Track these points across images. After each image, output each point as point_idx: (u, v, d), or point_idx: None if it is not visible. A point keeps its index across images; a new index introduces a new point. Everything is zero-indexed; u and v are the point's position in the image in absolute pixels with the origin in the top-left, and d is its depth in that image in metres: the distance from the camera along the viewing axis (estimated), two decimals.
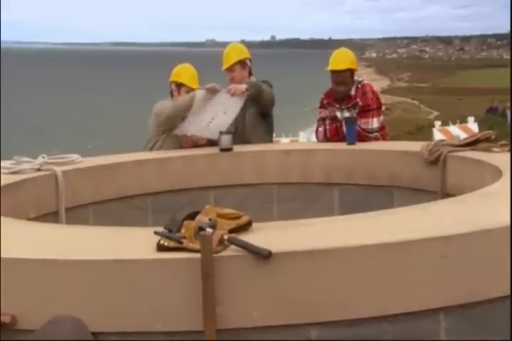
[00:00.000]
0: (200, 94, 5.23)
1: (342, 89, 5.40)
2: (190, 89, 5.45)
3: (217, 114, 5.25)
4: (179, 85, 5.52)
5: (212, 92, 5.23)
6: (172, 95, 5.58)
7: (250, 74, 5.69)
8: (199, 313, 2.33)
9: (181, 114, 5.27)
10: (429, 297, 2.45)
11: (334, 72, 5.41)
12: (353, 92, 5.42)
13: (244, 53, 5.71)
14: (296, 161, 5.16)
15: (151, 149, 5.40)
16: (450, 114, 28.18)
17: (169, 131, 5.32)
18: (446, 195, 4.32)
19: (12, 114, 40.92)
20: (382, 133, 5.48)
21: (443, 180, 4.50)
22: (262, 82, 5.54)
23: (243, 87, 5.30)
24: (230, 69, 5.61)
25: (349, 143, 5.18)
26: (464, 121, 16.51)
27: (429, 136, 14.98)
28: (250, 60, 5.74)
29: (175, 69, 5.60)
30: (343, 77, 5.38)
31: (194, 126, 5.26)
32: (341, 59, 5.45)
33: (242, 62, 5.64)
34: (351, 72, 5.44)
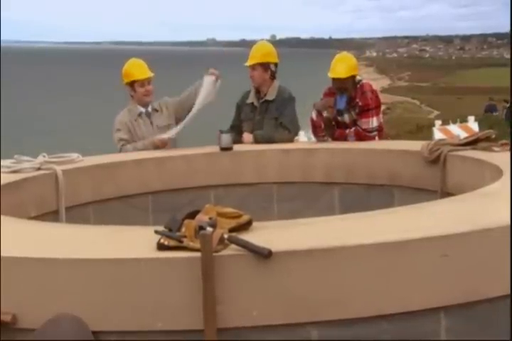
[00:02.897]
0: (208, 80, 5.33)
1: (343, 94, 5.39)
2: (143, 81, 5.41)
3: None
4: (131, 84, 5.44)
5: (218, 78, 5.37)
6: (132, 96, 5.50)
7: (273, 78, 5.64)
8: (199, 312, 2.33)
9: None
10: (428, 296, 2.45)
11: (336, 80, 5.40)
12: (352, 93, 5.42)
13: (270, 57, 5.66)
14: (296, 160, 5.16)
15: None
16: (450, 113, 28.14)
17: None
18: (446, 194, 4.31)
19: (12, 113, 40.86)
20: (380, 133, 5.48)
21: (443, 179, 4.49)
22: (284, 103, 5.54)
23: (250, 141, 5.48)
24: (251, 67, 5.60)
25: (339, 110, 5.35)
26: (464, 120, 16.49)
27: (429, 136, 14.97)
28: (276, 65, 5.68)
29: (122, 71, 5.48)
30: (345, 84, 5.37)
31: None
32: (342, 66, 5.40)
33: (264, 65, 5.60)
34: (353, 77, 5.42)
